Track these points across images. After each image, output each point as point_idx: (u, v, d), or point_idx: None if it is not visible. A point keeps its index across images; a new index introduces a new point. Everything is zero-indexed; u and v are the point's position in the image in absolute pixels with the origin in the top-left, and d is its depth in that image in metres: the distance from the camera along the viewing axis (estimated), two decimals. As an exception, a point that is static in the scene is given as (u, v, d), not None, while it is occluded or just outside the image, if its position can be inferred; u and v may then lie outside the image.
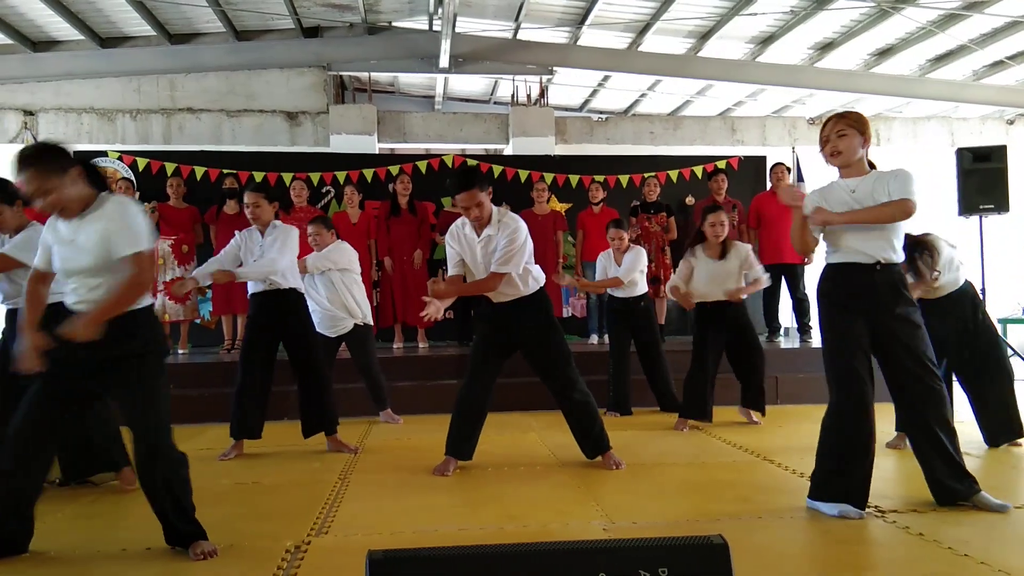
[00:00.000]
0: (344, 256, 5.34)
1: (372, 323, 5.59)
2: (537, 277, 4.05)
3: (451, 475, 4.01)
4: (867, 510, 3.25)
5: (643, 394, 5.98)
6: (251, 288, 4.52)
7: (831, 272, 3.29)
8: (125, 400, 2.76)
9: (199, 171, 7.87)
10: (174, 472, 2.80)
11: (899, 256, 3.23)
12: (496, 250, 3.85)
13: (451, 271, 4.04)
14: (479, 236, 3.93)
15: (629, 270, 5.65)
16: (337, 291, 5.30)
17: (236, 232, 4.62)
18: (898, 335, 3.17)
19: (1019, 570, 2.51)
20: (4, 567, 2.74)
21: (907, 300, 3.21)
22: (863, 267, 3.19)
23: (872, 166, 3.29)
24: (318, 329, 5.01)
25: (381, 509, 3.42)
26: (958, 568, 2.58)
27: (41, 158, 2.64)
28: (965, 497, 3.20)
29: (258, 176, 7.83)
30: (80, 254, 2.71)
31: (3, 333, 3.70)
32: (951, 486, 3.21)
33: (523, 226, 3.91)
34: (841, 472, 3.19)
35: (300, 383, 4.60)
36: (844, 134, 3.19)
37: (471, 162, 8.31)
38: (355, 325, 5.40)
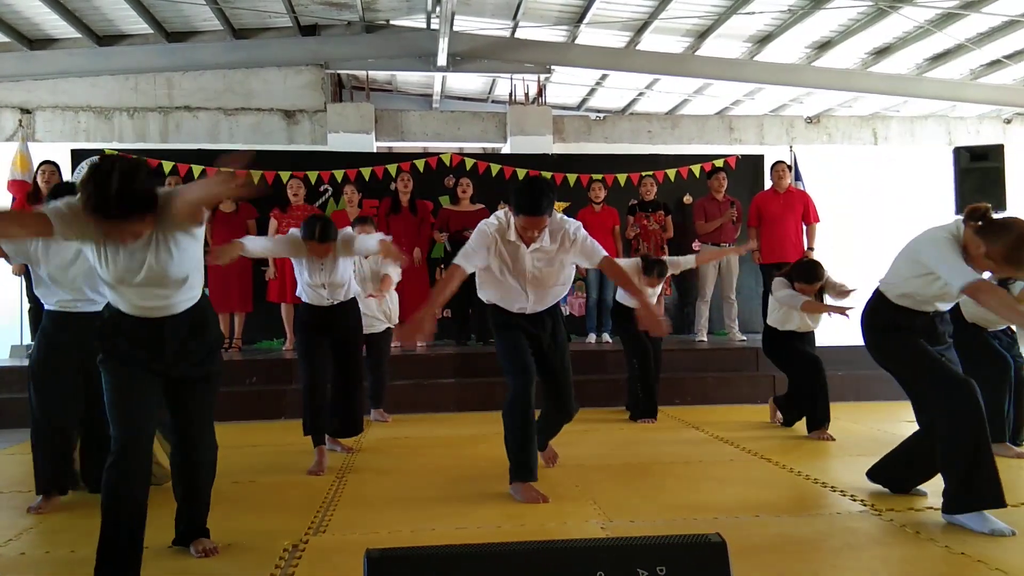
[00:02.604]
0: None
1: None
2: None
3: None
4: (864, 508, 3.26)
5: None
6: (312, 300, 4.27)
7: (892, 309, 3.26)
8: (190, 395, 2.69)
9: (196, 170, 7.84)
10: (213, 475, 2.85)
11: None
12: (575, 259, 3.67)
13: (468, 268, 3.56)
14: (528, 247, 3.58)
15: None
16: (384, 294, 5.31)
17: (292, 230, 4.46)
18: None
19: (1016, 569, 2.52)
20: (8, 570, 2.74)
21: (949, 331, 3.32)
22: (919, 312, 3.24)
23: None
24: None
25: (378, 508, 3.42)
26: (955, 567, 2.59)
27: (148, 200, 2.29)
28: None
29: (255, 175, 7.82)
30: (141, 271, 2.43)
31: (41, 335, 3.52)
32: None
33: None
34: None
35: (337, 384, 4.40)
36: None
37: (469, 161, 8.29)
38: (386, 328, 5.42)
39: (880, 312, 3.29)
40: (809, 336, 5.10)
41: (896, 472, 3.47)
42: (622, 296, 5.65)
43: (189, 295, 2.59)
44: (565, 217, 3.67)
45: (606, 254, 3.70)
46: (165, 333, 2.55)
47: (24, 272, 6.62)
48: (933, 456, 3.20)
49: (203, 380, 2.70)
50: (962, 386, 3.07)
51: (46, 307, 3.48)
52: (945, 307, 3.30)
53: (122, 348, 2.53)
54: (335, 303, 4.25)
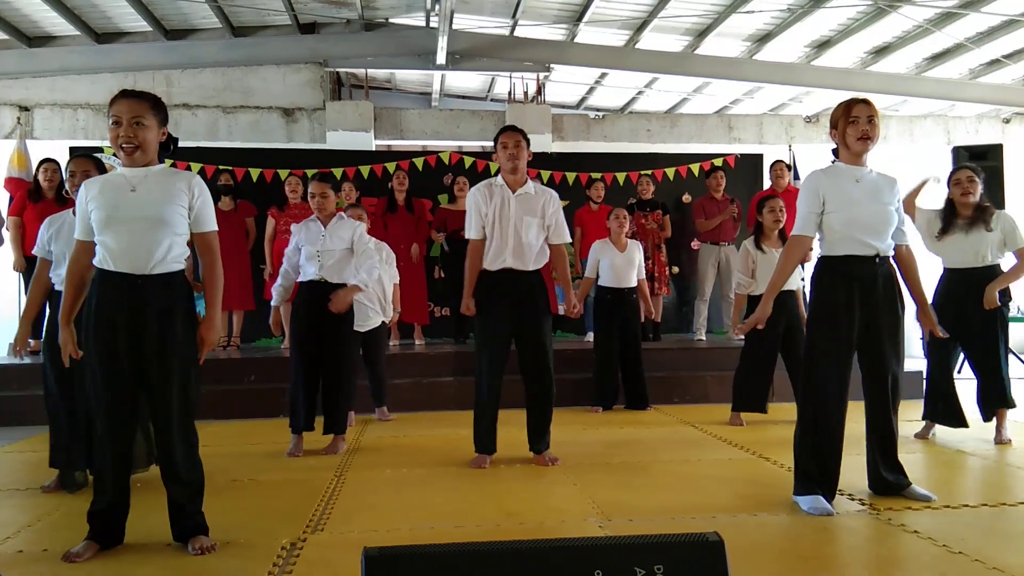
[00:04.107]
0: (387, 250, 5.38)
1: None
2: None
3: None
4: (863, 507, 3.27)
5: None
6: (308, 277, 4.43)
7: (830, 263, 3.28)
8: (161, 374, 2.76)
9: (195, 167, 7.84)
10: (197, 456, 2.89)
11: (892, 250, 3.31)
12: (548, 220, 4.05)
13: (479, 235, 4.05)
14: (514, 192, 4.01)
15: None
16: (381, 284, 5.30)
17: (292, 225, 4.61)
18: (887, 327, 3.23)
19: (1013, 567, 2.52)
20: (5, 567, 2.74)
21: (898, 294, 3.30)
22: (863, 259, 3.21)
23: None
24: None
25: (377, 506, 3.42)
26: (952, 565, 2.59)
27: (148, 97, 2.80)
28: (900, 489, 3.38)
29: (254, 173, 7.82)
30: (141, 203, 2.74)
31: (53, 317, 3.64)
32: (889, 478, 3.39)
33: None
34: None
35: (326, 378, 4.49)
36: (874, 122, 3.20)
37: (468, 159, 8.30)
38: (381, 322, 5.41)
39: (824, 266, 3.31)
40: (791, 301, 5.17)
41: (881, 475, 3.44)
42: (605, 279, 5.86)
43: (167, 258, 2.78)
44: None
45: (566, 243, 4.16)
46: (138, 294, 2.73)
47: (25, 269, 6.62)
48: (887, 443, 3.36)
49: (170, 362, 2.76)
50: (818, 388, 3.24)
51: (56, 287, 3.66)
52: (884, 246, 3.25)
53: (104, 328, 2.72)
54: (327, 281, 4.37)
